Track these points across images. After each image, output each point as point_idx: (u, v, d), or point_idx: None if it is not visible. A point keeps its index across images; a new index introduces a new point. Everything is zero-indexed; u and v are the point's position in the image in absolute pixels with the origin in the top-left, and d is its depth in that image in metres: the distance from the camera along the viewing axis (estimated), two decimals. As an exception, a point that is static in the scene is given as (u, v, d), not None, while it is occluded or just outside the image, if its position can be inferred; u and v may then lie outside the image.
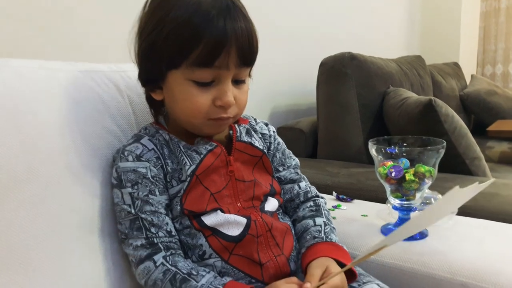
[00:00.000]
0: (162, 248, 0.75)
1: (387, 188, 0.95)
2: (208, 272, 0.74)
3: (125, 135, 0.88)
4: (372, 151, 0.95)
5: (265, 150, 0.88)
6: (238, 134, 0.86)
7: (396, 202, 0.95)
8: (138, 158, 0.77)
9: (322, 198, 0.95)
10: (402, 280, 0.90)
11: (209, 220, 0.77)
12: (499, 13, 4.39)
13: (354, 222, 1.09)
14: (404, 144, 0.98)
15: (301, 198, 0.93)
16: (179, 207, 0.77)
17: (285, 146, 0.96)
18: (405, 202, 0.94)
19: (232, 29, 0.71)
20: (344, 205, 1.22)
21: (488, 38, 4.50)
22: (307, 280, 0.72)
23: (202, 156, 0.79)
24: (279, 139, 0.95)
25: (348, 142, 1.86)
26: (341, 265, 0.77)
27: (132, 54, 0.80)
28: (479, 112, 3.00)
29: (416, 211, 0.96)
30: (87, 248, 0.78)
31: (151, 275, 0.73)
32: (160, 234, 0.75)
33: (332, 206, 1.19)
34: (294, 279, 0.74)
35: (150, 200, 0.76)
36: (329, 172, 1.66)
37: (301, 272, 0.80)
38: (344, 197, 1.28)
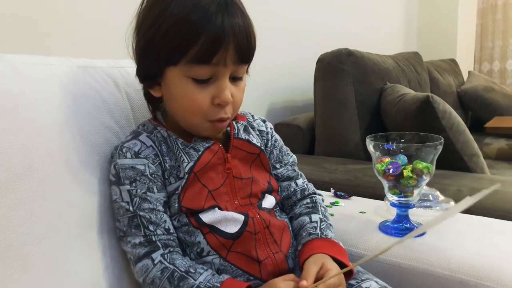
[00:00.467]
0: (160, 246, 0.74)
1: (385, 184, 0.95)
2: (206, 270, 0.74)
3: (123, 131, 0.88)
4: (370, 147, 0.95)
5: (262, 147, 0.88)
6: (236, 131, 0.85)
7: (394, 198, 0.95)
8: (137, 155, 0.77)
9: (319, 195, 0.95)
10: (401, 278, 0.90)
11: (207, 217, 0.77)
12: (496, 10, 4.41)
13: (352, 219, 1.09)
14: (402, 141, 0.98)
15: (298, 196, 0.93)
16: (177, 205, 0.77)
17: (283, 143, 0.96)
18: (403, 199, 0.94)
19: (230, 26, 0.70)
20: (342, 202, 1.22)
21: (485, 35, 4.51)
22: (303, 277, 0.72)
23: (199, 153, 0.79)
24: (277, 136, 0.95)
25: (346, 138, 1.86)
26: (337, 261, 0.77)
27: (130, 50, 0.79)
28: (476, 108, 3.00)
29: (414, 208, 0.97)
30: (85, 245, 0.78)
31: (149, 273, 0.73)
32: (158, 232, 0.75)
33: (330, 203, 1.19)
34: (291, 276, 0.74)
35: (148, 198, 0.76)
36: (327, 169, 1.66)
37: (299, 269, 0.80)
38: (342, 194, 1.28)
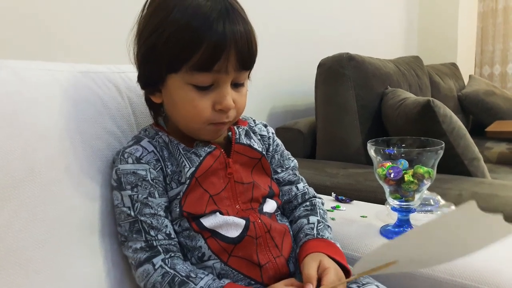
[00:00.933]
0: (161, 251, 0.75)
1: (386, 189, 0.95)
2: (207, 275, 0.74)
3: (125, 136, 0.88)
4: (371, 152, 0.95)
5: (264, 152, 0.88)
6: (237, 136, 0.86)
7: (395, 203, 0.95)
8: (138, 160, 0.77)
9: (319, 198, 0.95)
10: (401, 282, 0.90)
11: (208, 222, 0.77)
12: (497, 13, 4.41)
13: (353, 223, 1.09)
14: (403, 145, 0.98)
15: (299, 200, 0.93)
16: (178, 209, 0.77)
17: (284, 147, 0.96)
18: (404, 203, 0.94)
19: (231, 33, 0.70)
20: (343, 206, 1.22)
21: (486, 39, 4.52)
22: (305, 280, 0.72)
23: (201, 158, 0.79)
24: (278, 141, 0.95)
25: (347, 142, 1.86)
26: (334, 261, 0.77)
27: (132, 56, 0.79)
28: (477, 112, 3.00)
29: (415, 212, 0.97)
30: (87, 250, 0.78)
31: (150, 278, 0.73)
32: (159, 236, 0.75)
33: (331, 207, 1.19)
34: (293, 280, 0.74)
35: (150, 203, 0.76)
36: (328, 173, 1.66)
37: (300, 272, 0.80)
38: (343, 198, 1.28)
